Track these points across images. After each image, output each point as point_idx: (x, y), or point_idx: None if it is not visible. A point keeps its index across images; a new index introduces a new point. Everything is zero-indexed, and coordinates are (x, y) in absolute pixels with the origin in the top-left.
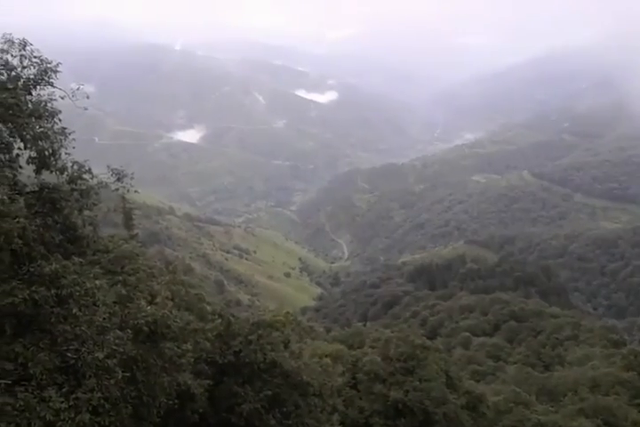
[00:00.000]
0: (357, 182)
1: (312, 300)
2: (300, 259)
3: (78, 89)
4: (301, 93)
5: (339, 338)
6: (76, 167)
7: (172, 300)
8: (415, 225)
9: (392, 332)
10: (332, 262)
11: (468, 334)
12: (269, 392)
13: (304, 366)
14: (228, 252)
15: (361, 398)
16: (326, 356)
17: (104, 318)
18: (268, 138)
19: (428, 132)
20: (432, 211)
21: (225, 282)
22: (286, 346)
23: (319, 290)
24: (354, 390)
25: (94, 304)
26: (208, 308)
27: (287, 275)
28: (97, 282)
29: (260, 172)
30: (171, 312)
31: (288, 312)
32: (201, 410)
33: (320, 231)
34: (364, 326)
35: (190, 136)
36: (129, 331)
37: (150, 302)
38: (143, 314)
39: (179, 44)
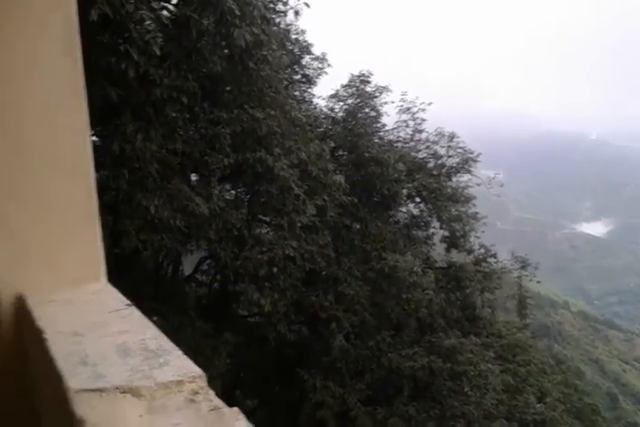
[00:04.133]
0: None
1: None
2: None
3: (494, 178)
4: None
5: None
6: (482, 250)
7: (563, 403)
8: None
9: None
10: None
11: None
12: None
13: None
14: (627, 362)
15: None
16: None
17: (492, 404)
18: None
19: None
20: None
21: (620, 397)
22: None
23: None
24: None
25: (485, 387)
26: (603, 424)
27: None
28: (489, 366)
29: None
30: (561, 417)
31: None
32: None
33: None
34: None
35: (596, 229)
36: (515, 424)
37: (539, 400)
38: (532, 411)
39: (594, 134)
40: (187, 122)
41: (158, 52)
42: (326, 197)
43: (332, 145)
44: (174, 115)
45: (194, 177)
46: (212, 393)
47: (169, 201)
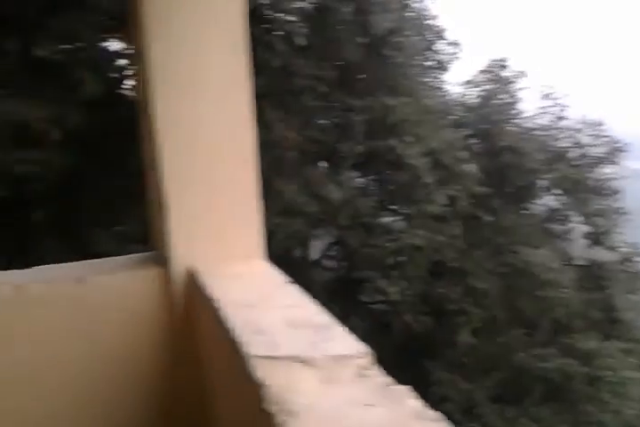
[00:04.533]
0: None
1: None
2: None
3: None
4: None
5: None
6: (628, 249)
7: None
8: None
9: None
10: None
11: None
12: None
13: None
14: None
15: None
16: None
17: (633, 414)
18: None
19: None
20: None
21: None
22: None
23: None
24: None
25: (625, 396)
26: None
27: None
28: (631, 373)
29: None
30: None
31: None
32: None
33: None
34: None
35: None
36: None
37: None
38: None
39: None
40: (322, 110)
41: (304, 43)
42: (458, 187)
43: (465, 133)
44: (311, 103)
45: (326, 164)
46: (381, 370)
47: (304, 187)
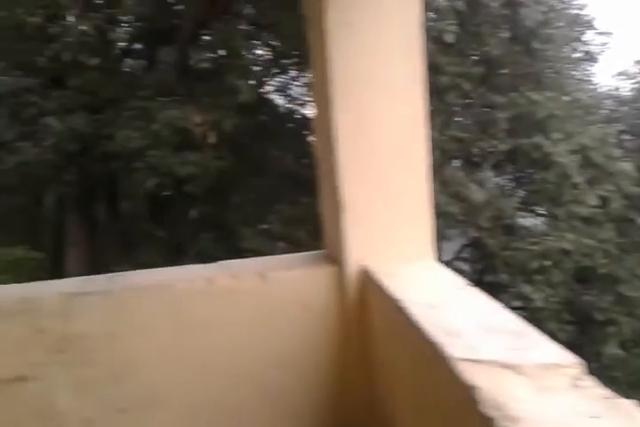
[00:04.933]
0: None
1: None
2: None
3: None
4: None
5: None
6: None
7: None
8: None
9: None
10: None
11: None
12: None
13: None
14: None
15: None
16: None
17: None
18: None
19: None
20: None
21: None
22: None
23: None
24: None
25: None
26: None
27: None
28: None
29: None
30: None
31: None
32: None
33: None
34: None
35: None
36: None
37: None
38: None
39: None
40: (463, 107)
41: (452, 40)
42: (610, 187)
43: (618, 128)
44: (454, 101)
45: (465, 163)
46: (597, 382)
47: (444, 187)
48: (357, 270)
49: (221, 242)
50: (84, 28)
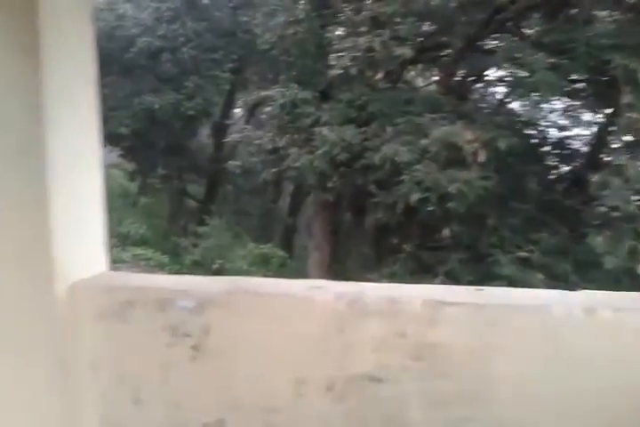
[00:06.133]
0: None
1: None
2: None
3: None
4: None
5: None
6: None
7: None
8: None
9: None
10: None
11: None
12: None
13: None
14: None
15: None
16: None
17: None
18: None
19: None
20: None
21: None
22: None
23: None
24: None
25: None
26: None
27: None
28: None
29: None
30: None
31: None
32: None
33: None
34: None
35: None
36: None
37: None
38: None
39: None
40: None
41: None
42: None
43: None
44: None
45: None
46: None
47: None
48: None
49: (471, 265)
50: (373, 45)
